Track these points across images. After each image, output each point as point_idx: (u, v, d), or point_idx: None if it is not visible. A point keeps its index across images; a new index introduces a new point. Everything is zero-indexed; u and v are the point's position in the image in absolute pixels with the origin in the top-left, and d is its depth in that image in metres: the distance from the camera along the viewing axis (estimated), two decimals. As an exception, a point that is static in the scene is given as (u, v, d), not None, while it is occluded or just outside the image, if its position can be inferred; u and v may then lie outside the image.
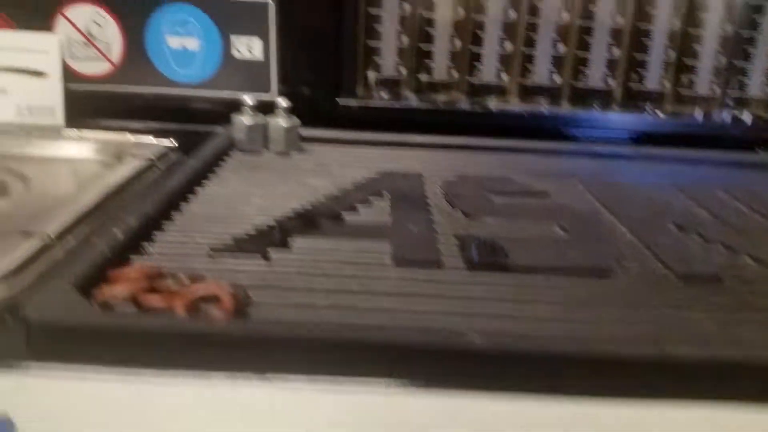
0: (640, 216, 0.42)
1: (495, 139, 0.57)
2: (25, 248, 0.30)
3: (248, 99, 0.52)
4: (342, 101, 0.58)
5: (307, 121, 0.54)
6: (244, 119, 0.51)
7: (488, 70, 0.60)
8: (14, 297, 0.27)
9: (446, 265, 0.33)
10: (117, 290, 0.26)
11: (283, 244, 0.35)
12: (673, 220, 0.42)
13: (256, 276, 0.31)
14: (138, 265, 0.29)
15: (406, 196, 0.43)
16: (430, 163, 0.52)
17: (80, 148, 0.48)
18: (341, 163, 0.51)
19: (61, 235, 0.33)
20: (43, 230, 0.32)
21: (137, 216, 0.35)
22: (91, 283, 0.28)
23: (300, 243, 0.35)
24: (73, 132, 0.52)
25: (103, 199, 0.38)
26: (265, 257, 0.33)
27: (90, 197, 0.38)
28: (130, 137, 0.52)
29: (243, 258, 0.33)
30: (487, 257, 0.34)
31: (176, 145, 0.52)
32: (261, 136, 0.52)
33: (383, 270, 0.33)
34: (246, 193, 0.43)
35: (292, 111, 0.55)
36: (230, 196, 0.42)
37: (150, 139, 0.52)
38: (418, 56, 0.60)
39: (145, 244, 0.34)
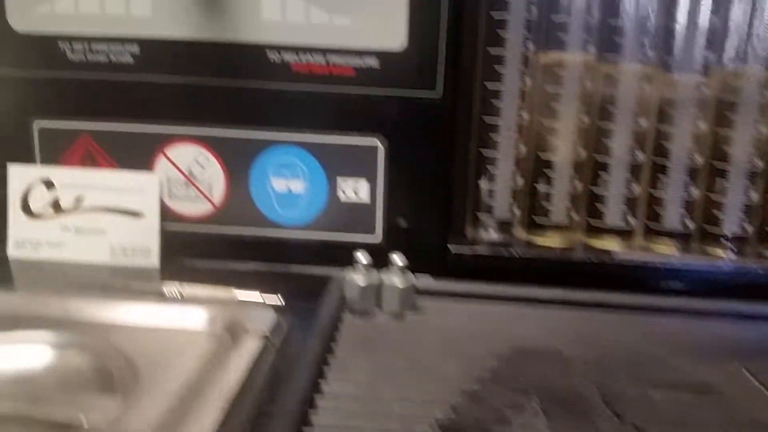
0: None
1: (624, 294, 0.50)
2: None
3: (362, 257, 0.47)
4: (454, 248, 0.53)
5: (415, 267, 0.49)
6: (357, 279, 0.46)
7: (612, 213, 0.54)
8: None
9: None
10: None
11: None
12: None
13: None
14: None
15: (559, 398, 0.37)
16: (562, 327, 0.46)
17: (185, 314, 0.43)
18: (464, 331, 0.45)
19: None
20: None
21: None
22: None
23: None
24: (174, 286, 0.48)
25: (227, 412, 0.33)
26: None
27: (211, 411, 0.33)
28: (235, 294, 0.48)
29: None
30: None
31: (283, 302, 0.47)
32: (374, 296, 0.47)
33: None
34: (375, 390, 0.37)
35: (396, 249, 0.50)
36: (359, 397, 0.36)
37: (256, 297, 0.47)
38: (533, 197, 0.54)
39: (284, 493, 0.28)
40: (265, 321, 0.42)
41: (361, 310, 0.46)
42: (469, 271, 0.52)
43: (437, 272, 0.52)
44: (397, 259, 0.47)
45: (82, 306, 0.44)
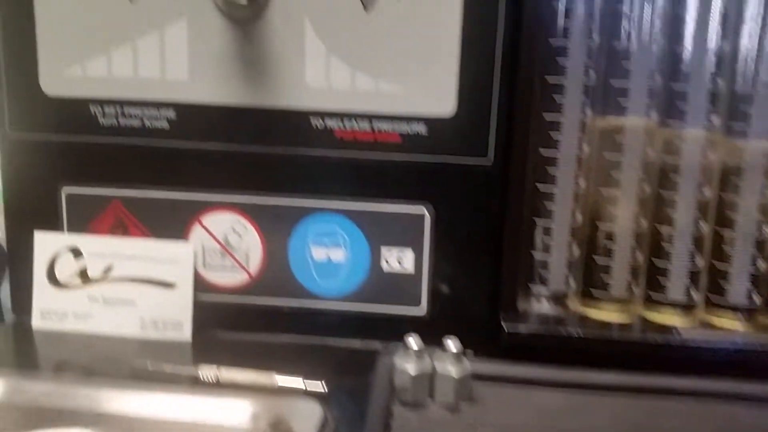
0: None
1: (694, 378, 0.46)
2: None
3: (413, 342, 0.43)
4: (508, 326, 0.49)
5: (464, 342, 0.45)
6: (408, 367, 0.43)
7: (674, 286, 0.50)
8: None
9: None
10: None
11: None
12: None
13: None
14: None
15: None
16: (630, 419, 0.42)
17: (225, 408, 0.40)
18: (525, 425, 0.41)
19: None
20: None
21: None
22: None
23: None
24: (210, 370, 0.45)
25: None
26: None
27: None
28: (276, 379, 0.44)
29: None
30: None
31: (326, 390, 0.44)
32: (427, 385, 0.43)
33: None
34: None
35: (442, 325, 0.47)
36: None
37: (299, 383, 0.44)
38: (590, 269, 0.51)
39: None
40: (311, 418, 0.39)
41: (413, 401, 0.43)
42: (523, 351, 0.48)
43: (488, 349, 0.48)
44: (452, 344, 0.43)
45: (113, 397, 0.41)
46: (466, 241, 0.50)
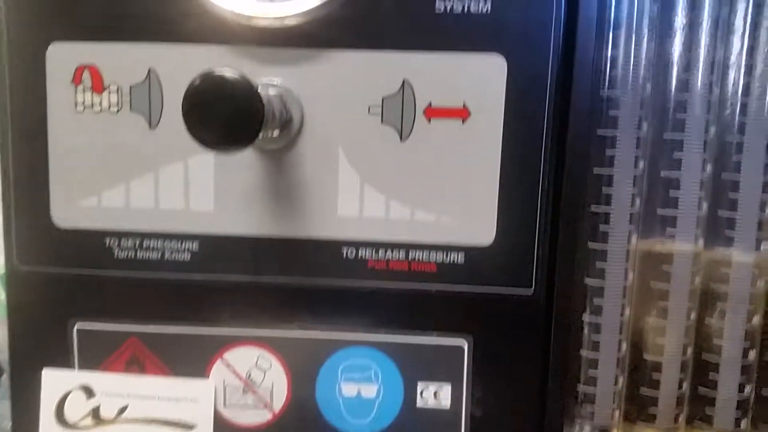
0: None
1: None
2: None
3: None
4: (554, 468, 0.45)
5: None
6: None
7: (722, 415, 0.47)
8: None
9: None
10: None
11: None
12: None
13: None
14: None
15: None
16: None
17: None
18: None
19: None
20: None
21: None
22: None
23: None
24: None
25: None
26: None
27: None
28: None
29: None
30: None
31: None
32: None
33: None
34: None
35: None
36: None
37: None
38: (636, 400, 0.47)
39: None
40: None
41: None
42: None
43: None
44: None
45: None
46: (507, 375, 0.46)
